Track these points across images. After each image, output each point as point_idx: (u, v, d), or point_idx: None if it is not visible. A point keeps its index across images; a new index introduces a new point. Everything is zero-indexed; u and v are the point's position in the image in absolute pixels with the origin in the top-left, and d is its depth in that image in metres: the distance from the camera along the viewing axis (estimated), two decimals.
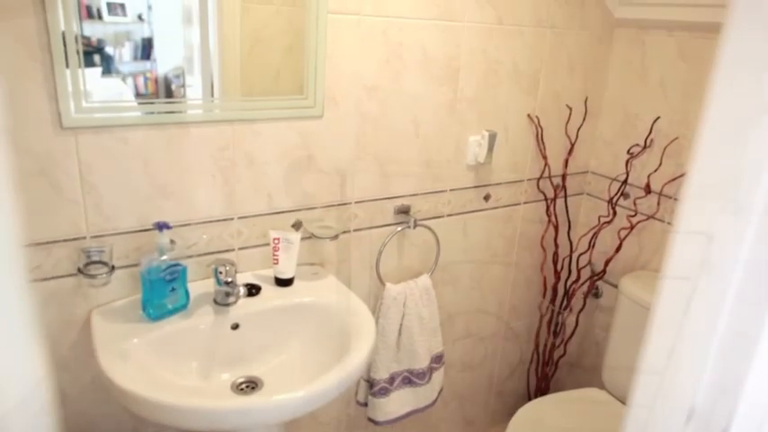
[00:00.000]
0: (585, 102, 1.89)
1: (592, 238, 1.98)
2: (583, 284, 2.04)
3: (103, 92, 1.16)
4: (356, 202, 1.55)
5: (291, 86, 1.36)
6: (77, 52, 1.10)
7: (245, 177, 1.36)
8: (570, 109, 1.86)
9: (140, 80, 1.20)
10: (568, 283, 2.07)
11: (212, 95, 1.27)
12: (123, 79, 1.18)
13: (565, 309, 2.08)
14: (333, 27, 1.35)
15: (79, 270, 1.20)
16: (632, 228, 1.86)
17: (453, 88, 1.59)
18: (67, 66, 1.10)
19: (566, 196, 1.98)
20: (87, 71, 1.12)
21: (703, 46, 1.66)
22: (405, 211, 1.62)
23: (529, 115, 1.78)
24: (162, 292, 1.22)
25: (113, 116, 1.17)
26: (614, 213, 1.92)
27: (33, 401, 0.45)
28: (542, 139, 1.84)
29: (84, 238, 1.21)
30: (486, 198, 1.81)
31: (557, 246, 2.01)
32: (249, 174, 1.36)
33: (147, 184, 1.25)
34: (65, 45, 1.08)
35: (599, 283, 2.04)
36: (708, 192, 0.45)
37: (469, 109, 1.65)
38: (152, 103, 1.21)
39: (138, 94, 1.20)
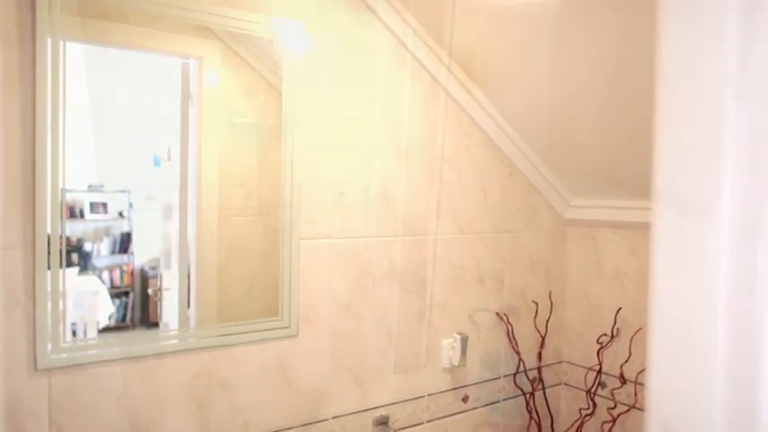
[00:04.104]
0: (550, 295, 1.98)
1: None
2: None
3: (78, 293, 1.14)
4: (333, 418, 1.52)
5: (266, 300, 1.41)
6: (60, 255, 1.08)
7: (219, 403, 1.34)
8: (536, 304, 1.94)
9: (116, 273, 1.22)
10: None
11: (189, 309, 1.30)
12: (99, 275, 1.19)
13: None
14: (305, 251, 1.45)
15: None
16: (614, 421, 1.83)
17: (422, 296, 1.67)
18: (49, 267, 1.07)
19: (544, 388, 1.97)
20: (69, 306, 1.13)
21: (648, 242, 1.80)
22: (383, 422, 1.59)
23: (497, 313, 1.85)
24: None
25: (90, 353, 1.18)
26: (594, 405, 1.90)
27: None
28: (513, 335, 1.88)
29: None
30: (465, 399, 1.79)
31: None
32: (224, 399, 1.34)
33: (118, 420, 1.22)
34: (49, 251, 1.06)
35: None
36: None
37: (440, 314, 1.71)
38: (130, 335, 1.24)
39: (112, 287, 1.20)
